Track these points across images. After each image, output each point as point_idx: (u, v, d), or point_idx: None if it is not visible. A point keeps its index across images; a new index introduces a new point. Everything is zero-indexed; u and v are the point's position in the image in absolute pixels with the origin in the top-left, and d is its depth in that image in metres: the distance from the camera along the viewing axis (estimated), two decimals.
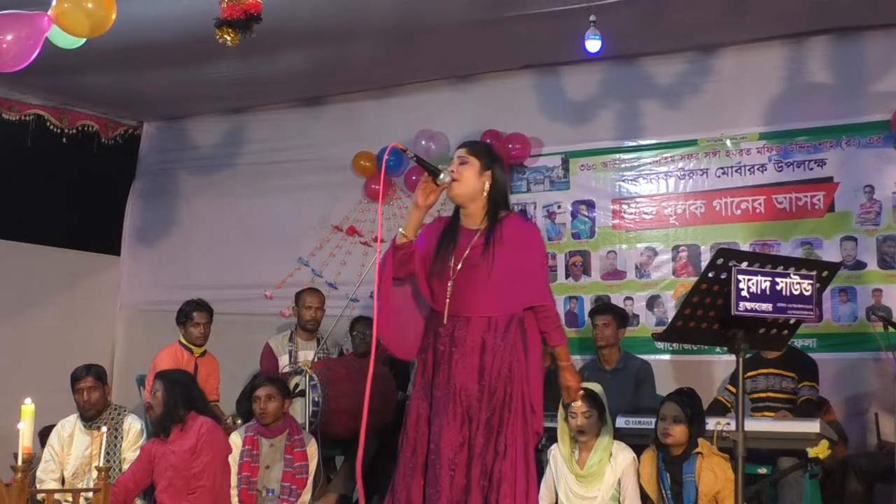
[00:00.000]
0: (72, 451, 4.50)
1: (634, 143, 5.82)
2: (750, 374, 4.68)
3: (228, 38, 3.98)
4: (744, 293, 2.81)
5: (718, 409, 4.69)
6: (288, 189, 6.70)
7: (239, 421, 4.94)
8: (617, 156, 5.85)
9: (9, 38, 3.32)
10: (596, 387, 4.10)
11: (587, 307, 5.70)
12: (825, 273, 3.06)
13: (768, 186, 5.43)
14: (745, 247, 5.39)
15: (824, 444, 3.91)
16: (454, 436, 3.07)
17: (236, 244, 6.80)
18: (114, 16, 3.49)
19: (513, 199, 5.41)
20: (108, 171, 7.02)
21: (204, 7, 4.03)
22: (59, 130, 6.62)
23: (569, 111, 5.95)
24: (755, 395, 4.71)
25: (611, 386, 4.55)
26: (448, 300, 3.17)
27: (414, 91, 6.37)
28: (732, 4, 4.97)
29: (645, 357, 5.20)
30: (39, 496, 3.91)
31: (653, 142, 5.76)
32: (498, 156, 3.41)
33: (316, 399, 4.80)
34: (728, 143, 5.56)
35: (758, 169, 5.48)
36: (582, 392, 3.48)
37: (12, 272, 6.36)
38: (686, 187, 5.67)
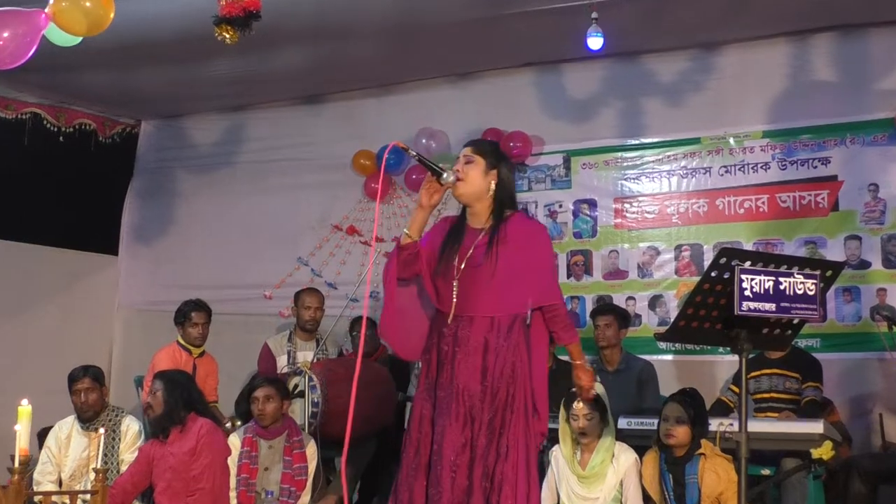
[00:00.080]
0: (69, 452, 4.50)
1: (637, 142, 5.82)
2: (753, 374, 4.67)
3: (227, 36, 3.98)
4: (747, 293, 2.81)
5: (721, 409, 4.69)
6: (287, 188, 6.70)
7: (238, 422, 4.94)
8: (619, 154, 5.85)
9: (6, 34, 3.32)
10: (598, 388, 4.10)
11: (589, 307, 5.70)
12: (829, 272, 3.06)
13: (772, 185, 5.43)
14: (748, 246, 5.39)
15: (828, 444, 3.90)
16: (456, 436, 3.07)
17: (235, 244, 6.80)
18: (112, 15, 3.49)
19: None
20: (105, 170, 7.02)
21: (203, 4, 4.04)
22: (56, 129, 6.62)
23: (570, 109, 5.95)
24: (758, 396, 4.71)
25: (613, 387, 4.55)
26: (455, 300, 3.16)
27: (414, 89, 6.37)
28: (735, 1, 4.97)
29: (647, 357, 5.20)
30: (36, 498, 3.91)
31: (655, 140, 5.77)
32: (504, 154, 3.40)
33: (315, 400, 4.80)
34: (731, 141, 5.56)
35: (761, 167, 5.48)
36: (594, 393, 3.47)
37: (9, 272, 6.36)
38: (689, 186, 5.67)
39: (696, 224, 5.62)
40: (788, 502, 4.06)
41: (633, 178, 5.81)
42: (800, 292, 2.89)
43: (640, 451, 4.06)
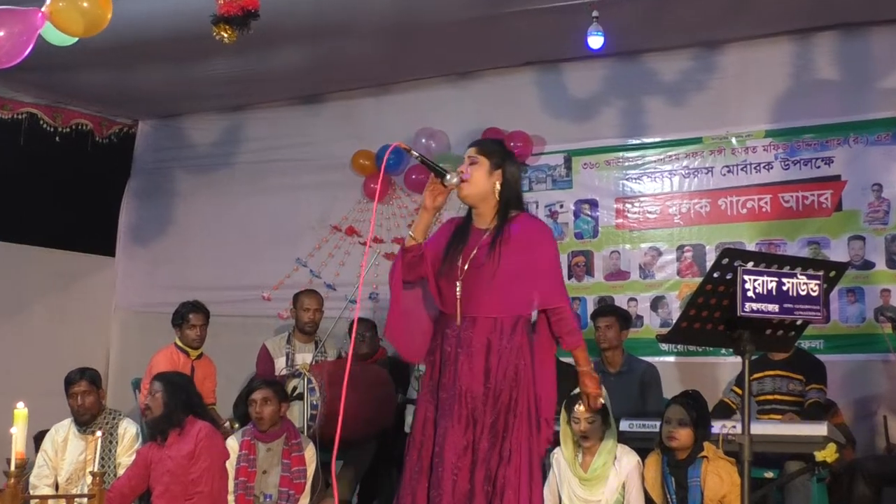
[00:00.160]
0: (66, 456, 4.49)
1: (638, 141, 5.81)
2: (756, 375, 4.67)
3: (225, 35, 3.98)
4: (750, 294, 2.81)
5: (724, 411, 4.69)
6: (286, 188, 6.70)
7: (236, 425, 4.94)
8: (620, 154, 5.85)
9: (1, 33, 3.32)
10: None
11: (590, 308, 5.70)
12: (832, 273, 3.06)
13: (774, 185, 5.42)
14: (750, 246, 5.39)
15: (832, 447, 3.90)
16: (458, 439, 3.07)
17: (233, 244, 6.80)
18: (109, 15, 3.49)
19: None
20: (102, 171, 7.02)
21: (201, 3, 4.04)
22: (52, 129, 6.62)
23: (571, 108, 5.95)
24: (762, 398, 4.71)
25: (615, 389, 4.55)
26: (458, 301, 3.16)
27: (413, 89, 6.37)
28: (736, 0, 4.97)
29: (649, 359, 5.20)
30: (33, 502, 3.91)
31: (657, 140, 5.76)
32: (510, 153, 3.37)
33: (314, 402, 4.80)
34: (733, 140, 5.56)
35: (764, 167, 5.48)
36: (602, 402, 3.42)
37: (4, 273, 6.36)
38: (691, 186, 5.67)
39: (698, 224, 5.62)
40: None
41: (635, 178, 5.81)
42: (803, 293, 2.89)
43: (643, 453, 4.05)
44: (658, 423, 4.04)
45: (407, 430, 5.40)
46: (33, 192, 6.41)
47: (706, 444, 3.90)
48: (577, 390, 3.98)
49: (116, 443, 4.54)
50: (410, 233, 3.25)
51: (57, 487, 4.47)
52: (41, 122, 6.56)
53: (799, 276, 2.90)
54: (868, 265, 5.19)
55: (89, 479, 3.72)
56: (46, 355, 6.22)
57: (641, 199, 5.78)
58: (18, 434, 2.85)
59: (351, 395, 4.89)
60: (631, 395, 4.86)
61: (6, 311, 6.34)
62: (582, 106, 5.92)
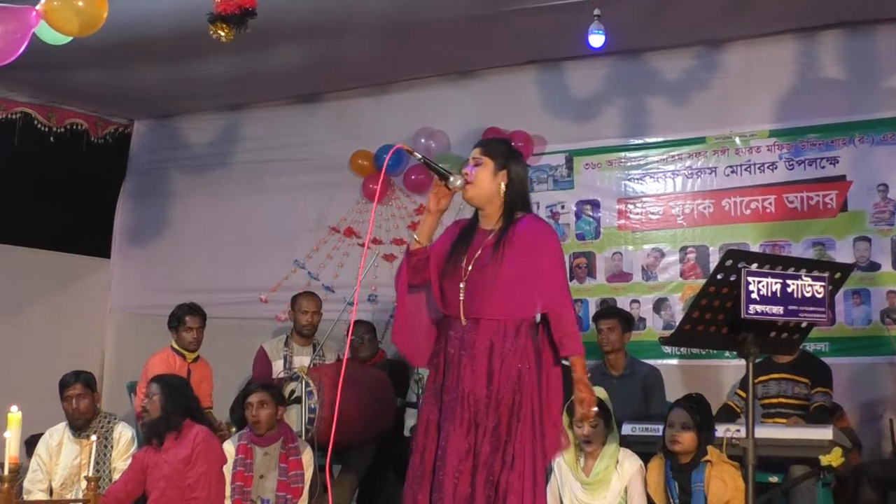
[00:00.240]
0: (60, 460, 4.49)
1: (640, 141, 5.81)
2: (761, 378, 4.67)
3: (222, 34, 3.99)
4: (754, 296, 2.81)
5: (728, 415, 4.68)
6: (283, 189, 6.70)
7: (233, 429, 4.94)
8: (622, 154, 5.85)
9: None
10: (601, 392, 4.10)
11: (592, 310, 5.69)
12: (838, 274, 3.06)
13: (779, 185, 5.42)
14: (755, 248, 5.39)
15: (837, 451, 3.90)
16: (460, 442, 3.06)
17: (230, 246, 6.80)
18: (105, 15, 3.49)
19: None
20: (97, 171, 7.02)
21: (197, 2, 4.04)
22: (46, 129, 6.62)
23: (573, 108, 5.95)
24: (766, 401, 4.71)
25: (617, 392, 4.55)
26: (462, 302, 3.16)
27: (412, 88, 6.37)
28: None
29: (652, 362, 5.20)
30: None
31: (659, 139, 5.76)
32: (515, 153, 3.36)
33: (312, 406, 4.80)
34: (737, 140, 5.56)
35: (768, 167, 5.47)
36: (596, 409, 3.38)
37: None
38: (694, 186, 5.66)
39: (701, 225, 5.62)
40: None
41: (637, 179, 5.81)
42: (808, 295, 2.89)
43: (645, 457, 4.05)
44: (661, 427, 4.04)
45: (406, 433, 5.41)
46: (28, 192, 6.41)
47: (710, 448, 3.90)
48: None
49: (111, 447, 4.54)
50: (415, 236, 3.25)
51: (51, 492, 4.46)
52: (35, 121, 6.56)
53: (804, 278, 2.90)
54: (874, 266, 5.19)
55: (84, 483, 3.71)
56: (40, 358, 6.22)
57: (644, 199, 5.78)
58: (12, 438, 2.85)
59: (350, 397, 4.90)
60: (634, 399, 4.86)
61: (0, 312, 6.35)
62: (583, 105, 5.92)
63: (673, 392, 4.84)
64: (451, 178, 3.16)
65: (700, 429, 3.91)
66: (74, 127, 6.81)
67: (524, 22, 5.19)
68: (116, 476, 4.37)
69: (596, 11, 4.79)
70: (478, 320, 3.15)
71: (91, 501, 3.17)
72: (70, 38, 3.58)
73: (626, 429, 4.27)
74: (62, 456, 4.50)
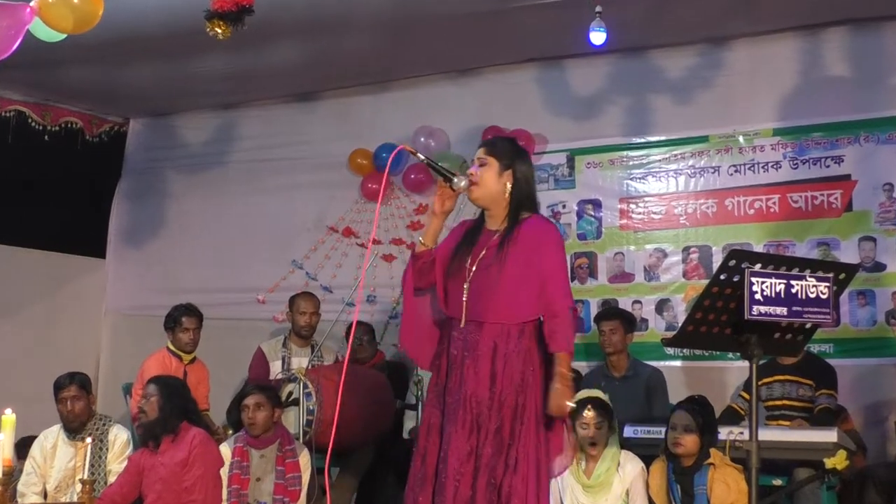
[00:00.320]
0: (55, 463, 4.49)
1: (643, 140, 5.81)
2: (765, 380, 4.67)
3: (219, 31, 3.99)
4: (757, 296, 2.81)
5: (732, 417, 4.69)
6: (281, 188, 6.70)
7: (230, 431, 4.94)
8: (624, 153, 5.85)
9: None
10: (599, 394, 4.10)
11: (594, 311, 5.69)
12: (842, 275, 3.06)
13: (783, 185, 5.42)
14: (758, 248, 5.39)
15: (842, 454, 3.90)
16: (462, 444, 3.07)
17: (227, 246, 6.80)
18: (101, 12, 3.49)
19: None
20: (92, 170, 7.02)
21: None
22: (41, 127, 6.62)
23: (574, 106, 5.95)
24: (770, 403, 4.71)
25: (619, 394, 4.55)
26: (465, 303, 3.16)
27: (412, 86, 6.37)
28: None
29: (655, 363, 5.19)
30: None
31: (662, 138, 5.76)
32: (521, 151, 3.35)
33: (310, 408, 4.80)
34: (741, 139, 5.56)
35: (772, 166, 5.48)
36: (592, 414, 3.33)
37: None
38: (697, 186, 5.66)
39: (704, 225, 5.61)
40: None
41: (639, 178, 5.81)
42: (812, 296, 2.89)
43: (647, 460, 4.05)
44: (663, 430, 4.04)
45: (405, 435, 5.42)
46: (21, 192, 6.41)
47: (713, 451, 3.90)
48: (581, 395, 3.99)
49: (107, 449, 4.54)
50: (420, 239, 3.26)
51: (45, 495, 4.46)
52: (29, 120, 6.56)
53: (808, 279, 2.89)
54: (879, 267, 5.19)
55: (79, 486, 3.72)
56: (35, 359, 6.23)
57: (646, 199, 5.78)
58: (6, 440, 2.85)
59: (349, 399, 4.90)
60: (636, 401, 4.86)
61: None
62: (585, 104, 5.92)
63: (676, 394, 4.84)
64: (456, 180, 3.17)
65: (702, 431, 3.91)
66: (69, 125, 6.81)
67: (525, 19, 5.19)
68: (112, 479, 4.37)
69: (598, 9, 4.79)
70: (481, 322, 3.15)
71: None
72: (65, 35, 3.58)
73: (629, 431, 4.27)
74: (57, 458, 4.50)
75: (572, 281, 5.82)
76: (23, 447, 4.76)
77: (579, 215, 5.94)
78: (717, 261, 5.41)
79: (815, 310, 2.90)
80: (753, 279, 2.81)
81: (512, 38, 5.58)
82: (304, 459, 4.49)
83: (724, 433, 4.00)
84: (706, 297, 2.95)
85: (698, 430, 3.90)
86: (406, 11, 5.10)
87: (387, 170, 3.54)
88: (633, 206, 5.81)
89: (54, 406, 4.54)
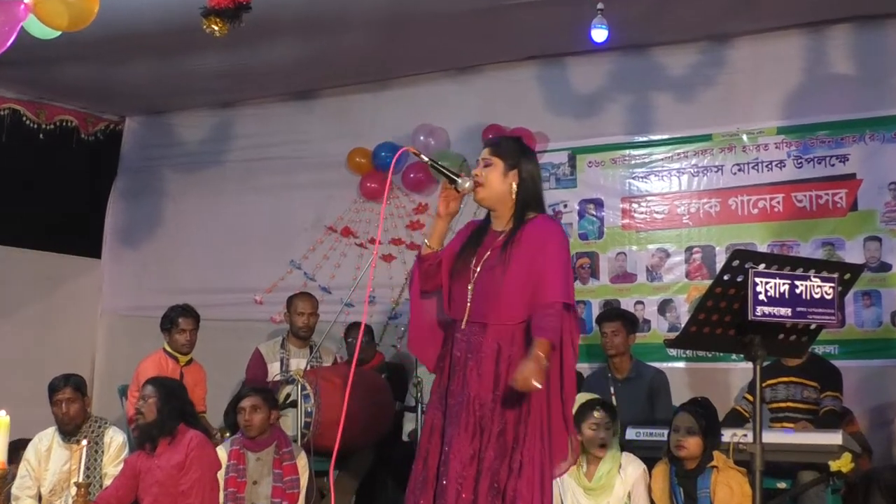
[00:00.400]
0: (49, 466, 4.49)
1: (645, 139, 5.81)
2: (770, 382, 4.67)
3: (216, 28, 3.99)
4: (761, 297, 2.81)
5: (737, 419, 4.68)
6: (279, 188, 6.70)
7: (227, 433, 4.94)
8: (626, 152, 5.85)
9: None
10: (596, 396, 4.11)
11: (595, 312, 5.69)
12: (847, 275, 3.06)
13: (787, 184, 5.42)
14: (762, 248, 5.39)
15: (847, 456, 3.90)
16: (464, 447, 3.06)
17: (224, 246, 6.80)
18: (96, 8, 3.49)
19: None
20: (88, 169, 7.03)
21: None
22: (35, 125, 6.62)
23: (575, 104, 5.95)
24: (775, 405, 4.71)
25: (622, 396, 4.56)
26: (469, 304, 3.16)
27: (411, 84, 6.37)
28: None
29: (658, 365, 5.19)
30: None
31: (664, 137, 5.76)
32: (527, 150, 3.34)
33: (308, 410, 4.80)
34: (744, 137, 5.56)
35: (776, 165, 5.47)
36: (602, 414, 3.27)
37: None
38: (700, 185, 5.66)
39: (707, 225, 5.61)
40: None
41: (642, 177, 5.81)
42: (817, 296, 2.89)
43: (650, 463, 4.06)
44: (666, 432, 4.04)
45: (405, 437, 5.42)
46: (15, 191, 6.41)
47: (716, 454, 3.90)
48: (588, 398, 3.99)
49: (102, 452, 4.54)
50: (426, 241, 3.26)
51: (40, 499, 4.47)
52: (24, 118, 6.56)
53: (812, 279, 2.90)
54: (885, 267, 5.19)
55: (74, 490, 3.72)
56: (29, 361, 6.22)
57: (648, 198, 5.78)
58: (0, 443, 2.85)
59: (348, 402, 4.91)
60: (638, 403, 4.85)
61: None
62: (587, 102, 5.92)
63: (679, 396, 4.85)
64: (460, 181, 3.16)
65: (706, 434, 3.91)
66: (64, 124, 6.81)
67: (525, 16, 5.19)
68: (107, 482, 4.37)
69: (599, 5, 4.79)
70: (485, 323, 3.14)
71: None
72: (59, 33, 3.58)
73: (631, 433, 4.27)
74: (51, 461, 4.50)
75: (573, 281, 5.81)
76: (16, 450, 4.76)
77: (581, 215, 5.94)
78: (720, 261, 5.41)
79: (820, 310, 2.91)
80: (757, 279, 2.81)
81: (512, 36, 5.58)
82: (302, 462, 4.49)
83: (728, 435, 4.00)
84: (709, 297, 2.95)
85: (701, 433, 3.90)
86: (405, 8, 5.10)
87: (390, 172, 3.54)
88: (635, 205, 5.81)
89: (49, 408, 4.54)
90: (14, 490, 4.46)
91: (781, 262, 2.95)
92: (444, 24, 5.35)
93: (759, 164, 5.51)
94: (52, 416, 4.55)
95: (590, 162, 5.94)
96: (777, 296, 2.83)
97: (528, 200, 3.24)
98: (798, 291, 2.86)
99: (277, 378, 5.26)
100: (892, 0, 5.08)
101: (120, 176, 7.34)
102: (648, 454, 4.11)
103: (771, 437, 3.91)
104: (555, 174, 6.02)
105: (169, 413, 4.22)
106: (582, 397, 4.01)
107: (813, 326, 3.05)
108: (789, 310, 2.85)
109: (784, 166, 5.45)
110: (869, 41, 5.31)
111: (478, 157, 3.31)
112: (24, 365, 6.18)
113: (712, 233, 5.60)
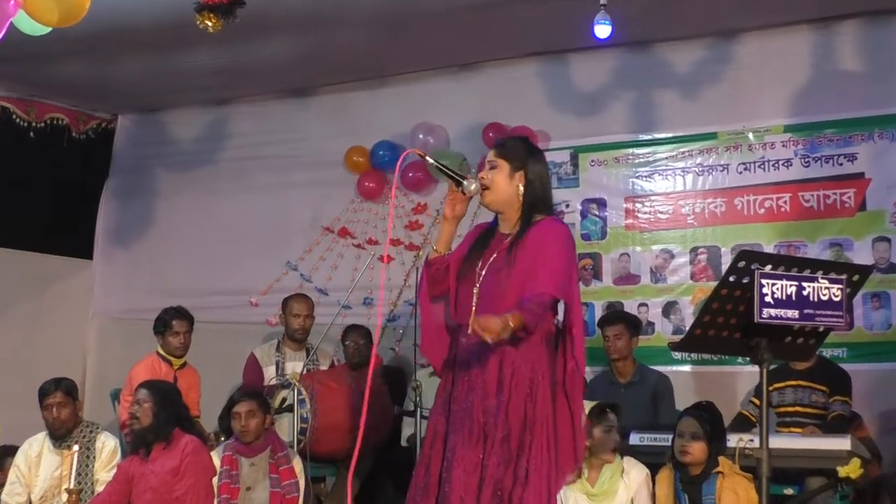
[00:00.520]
0: (40, 472, 4.49)
1: (649, 137, 5.81)
2: (777, 386, 4.67)
3: (210, 24, 3.99)
4: (768, 299, 2.80)
5: (743, 423, 4.69)
6: (274, 187, 6.70)
7: (222, 438, 4.94)
8: (630, 150, 5.85)
9: None
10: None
11: (598, 314, 5.69)
12: (856, 277, 3.06)
13: (794, 183, 5.42)
14: (769, 248, 5.39)
15: (856, 462, 3.90)
16: (468, 455, 3.06)
17: (218, 247, 6.80)
18: (87, 5, 3.49)
19: None
20: (79, 168, 7.02)
21: None
22: (25, 124, 6.62)
23: (578, 102, 5.95)
24: (782, 410, 4.71)
25: (626, 400, 4.56)
26: (474, 307, 3.15)
27: (410, 81, 6.37)
28: None
29: (662, 368, 5.20)
30: None
31: (669, 135, 5.76)
32: (534, 151, 3.34)
33: (304, 415, 4.80)
34: (750, 136, 5.56)
35: (783, 164, 5.48)
36: (615, 416, 3.26)
37: None
38: (705, 184, 5.66)
39: (712, 225, 5.61)
40: None
41: (646, 176, 5.81)
42: (825, 298, 2.89)
43: (654, 468, 4.05)
44: (670, 437, 4.04)
45: (403, 442, 5.42)
46: (5, 190, 6.40)
47: (721, 459, 3.90)
48: (590, 405, 3.99)
49: (94, 457, 4.54)
50: (433, 245, 3.27)
51: None
52: (14, 116, 6.56)
53: (820, 280, 2.89)
54: (894, 268, 5.19)
55: (65, 496, 3.72)
56: (19, 365, 6.22)
57: (652, 198, 5.78)
58: None
59: (346, 406, 4.92)
60: (642, 407, 4.86)
61: None
62: (589, 99, 5.92)
63: (684, 400, 4.84)
64: (466, 183, 3.17)
65: (711, 439, 3.91)
66: (55, 122, 6.81)
67: (526, 11, 5.19)
68: (99, 488, 4.37)
69: (602, 0, 4.79)
70: None
71: None
72: (50, 29, 3.58)
73: (634, 438, 4.27)
74: (42, 467, 4.50)
75: None
76: (5, 456, 4.76)
77: (583, 215, 5.94)
78: (725, 262, 5.41)
79: (828, 313, 2.90)
80: (763, 281, 2.81)
81: (513, 32, 5.58)
82: (298, 467, 4.49)
83: (734, 440, 4.00)
84: (714, 299, 2.94)
85: (706, 438, 3.90)
86: (403, 3, 5.10)
87: (396, 178, 3.54)
88: (639, 205, 5.81)
89: (39, 413, 4.54)
90: (3, 497, 4.46)
91: (788, 264, 2.94)
92: (444, 20, 5.35)
93: (766, 163, 5.51)
94: (42, 421, 4.55)
95: (592, 161, 5.94)
96: (784, 298, 2.83)
97: (536, 202, 3.23)
98: (805, 293, 2.86)
99: (273, 382, 5.26)
100: None
101: (112, 175, 7.34)
102: (652, 460, 4.11)
103: (778, 442, 3.89)
104: (557, 173, 6.01)
105: (165, 418, 4.22)
106: (585, 405, 4.00)
107: (821, 329, 3.05)
108: (796, 312, 2.84)
109: (791, 165, 5.46)
110: (878, 37, 5.31)
111: (483, 159, 3.32)
112: (13, 368, 6.18)
113: (717, 233, 5.60)
